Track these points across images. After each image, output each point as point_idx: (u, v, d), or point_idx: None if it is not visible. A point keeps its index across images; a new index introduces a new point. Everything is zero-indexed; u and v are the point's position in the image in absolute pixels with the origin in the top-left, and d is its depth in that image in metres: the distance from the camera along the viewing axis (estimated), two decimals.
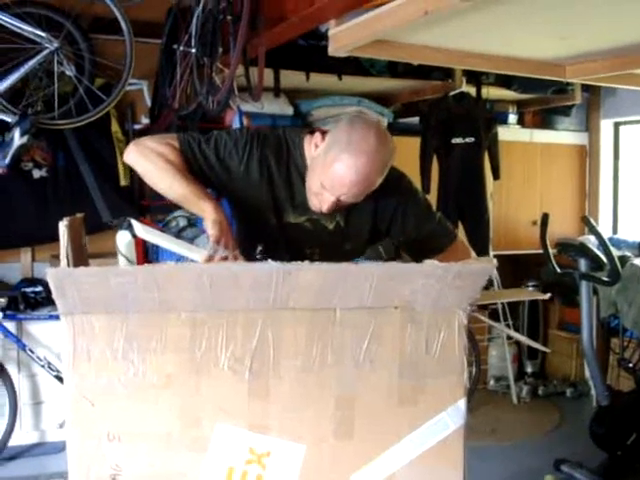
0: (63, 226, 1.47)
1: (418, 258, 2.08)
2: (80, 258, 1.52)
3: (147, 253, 3.63)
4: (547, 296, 5.41)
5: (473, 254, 2.25)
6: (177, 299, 1.33)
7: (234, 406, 1.41)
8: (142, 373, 1.36)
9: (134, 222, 1.76)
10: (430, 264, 1.47)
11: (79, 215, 1.71)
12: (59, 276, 1.26)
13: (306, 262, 1.33)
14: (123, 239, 1.74)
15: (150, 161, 2.00)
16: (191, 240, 1.72)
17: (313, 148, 2.05)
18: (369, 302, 1.42)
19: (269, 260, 1.32)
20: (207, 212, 1.85)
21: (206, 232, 1.79)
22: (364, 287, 1.40)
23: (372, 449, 1.48)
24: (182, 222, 1.67)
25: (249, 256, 1.93)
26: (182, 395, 1.39)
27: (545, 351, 3.60)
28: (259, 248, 1.98)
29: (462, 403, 1.53)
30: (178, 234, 1.70)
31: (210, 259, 1.73)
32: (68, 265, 1.43)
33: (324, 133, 2.05)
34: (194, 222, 1.67)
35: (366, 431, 1.47)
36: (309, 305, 1.40)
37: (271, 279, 1.31)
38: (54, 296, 1.29)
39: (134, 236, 1.74)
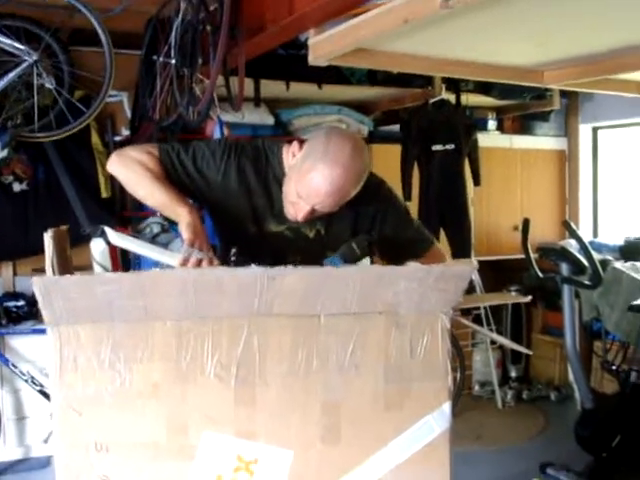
0: (48, 237, 1.47)
1: (395, 264, 2.13)
2: (65, 268, 1.52)
3: (129, 263, 3.62)
4: (528, 299, 5.45)
5: (449, 260, 2.27)
6: (162, 307, 1.33)
7: (221, 414, 1.41)
8: (129, 382, 1.36)
9: (107, 230, 1.75)
10: (412, 266, 1.48)
11: (63, 227, 1.70)
12: (45, 285, 1.26)
13: (289, 266, 1.33)
14: (97, 247, 1.73)
15: (130, 169, 2.03)
16: (165, 245, 1.71)
17: (290, 157, 2.06)
18: (353, 307, 1.43)
19: (252, 265, 1.33)
20: (181, 216, 1.87)
21: (180, 236, 1.80)
22: (347, 291, 1.40)
23: (359, 454, 1.48)
24: (156, 228, 1.67)
25: (228, 264, 1.94)
26: (169, 404, 1.39)
27: (528, 353, 3.61)
28: (233, 250, 1.98)
29: (447, 407, 1.54)
30: (152, 240, 1.70)
31: (185, 262, 1.72)
32: (54, 275, 1.42)
33: (302, 142, 2.07)
34: (167, 228, 1.67)
35: (352, 436, 1.47)
36: (294, 311, 1.41)
37: (255, 284, 1.32)
38: (40, 306, 1.29)
39: (108, 244, 1.73)
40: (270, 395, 1.43)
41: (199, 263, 1.73)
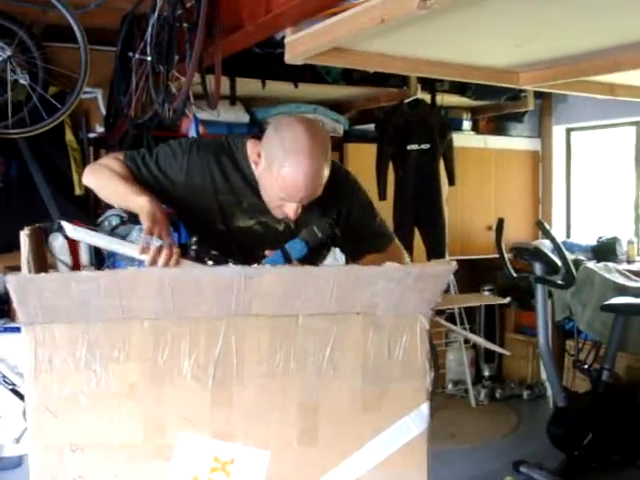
0: (24, 235, 1.46)
1: (356, 255, 2.16)
2: (41, 267, 1.50)
3: (103, 259, 3.59)
4: (507, 300, 5.48)
5: (407, 259, 2.27)
6: (139, 306, 1.32)
7: (198, 414, 1.40)
8: (105, 383, 1.35)
9: (64, 224, 1.72)
10: (390, 266, 1.48)
11: (39, 225, 1.69)
12: (20, 283, 1.25)
13: (267, 266, 1.33)
14: (56, 242, 1.71)
15: (98, 174, 2.08)
16: (124, 237, 1.68)
17: (254, 167, 2.08)
18: (331, 308, 1.43)
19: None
20: (140, 205, 1.86)
21: (139, 227, 1.79)
22: (326, 291, 1.40)
23: (336, 454, 1.48)
24: (115, 220, 1.65)
25: (188, 253, 1.94)
26: (145, 404, 1.38)
27: (505, 354, 3.63)
28: (193, 239, 1.98)
29: (425, 407, 1.54)
30: (111, 232, 1.67)
31: (144, 250, 1.71)
32: (29, 273, 1.41)
33: (259, 143, 2.08)
34: (126, 220, 1.65)
35: (330, 437, 1.47)
36: (272, 311, 1.40)
37: (233, 284, 1.31)
38: (15, 304, 1.27)
39: (66, 238, 1.71)
40: (247, 396, 1.43)
41: (159, 250, 1.72)
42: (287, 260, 1.82)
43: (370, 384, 1.50)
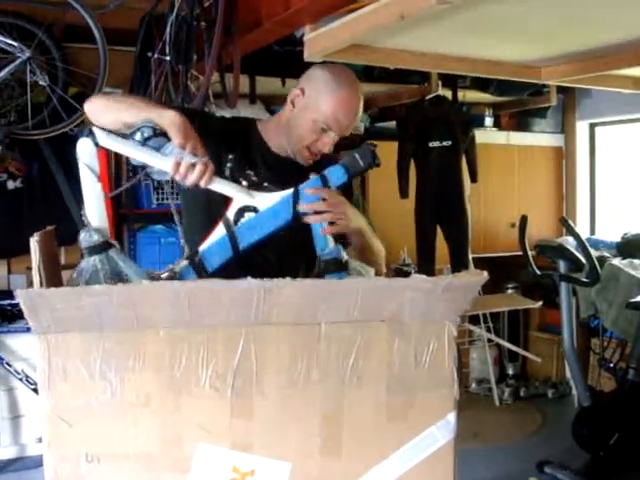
0: (34, 242, 1.43)
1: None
2: (53, 273, 1.48)
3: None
4: (538, 304, 5.39)
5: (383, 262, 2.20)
6: (154, 316, 1.29)
7: (216, 425, 1.37)
8: (120, 392, 1.32)
9: (96, 130, 1.65)
10: (417, 278, 1.44)
11: (50, 228, 1.66)
12: (30, 297, 1.22)
13: (287, 278, 1.30)
14: (85, 147, 1.63)
15: (108, 97, 2.01)
16: (157, 149, 1.61)
17: (291, 106, 2.09)
18: (355, 316, 1.39)
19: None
20: (169, 118, 1.73)
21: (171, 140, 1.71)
22: (349, 301, 1.37)
23: (360, 466, 1.44)
24: (147, 132, 1.57)
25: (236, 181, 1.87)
26: (162, 414, 1.35)
27: (536, 360, 3.57)
28: (230, 156, 1.97)
29: (452, 417, 1.50)
30: (143, 143, 1.59)
31: (177, 166, 1.64)
32: (41, 282, 1.38)
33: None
34: (159, 132, 1.58)
35: (354, 447, 1.43)
36: (293, 319, 1.37)
37: (252, 297, 1.28)
38: (26, 316, 1.25)
39: (96, 144, 1.65)
40: (268, 406, 1.40)
41: (192, 167, 1.66)
42: (325, 185, 1.76)
43: (395, 393, 1.46)
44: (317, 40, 3.22)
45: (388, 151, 5.21)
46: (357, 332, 1.42)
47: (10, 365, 4.19)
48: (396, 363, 1.45)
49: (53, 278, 1.46)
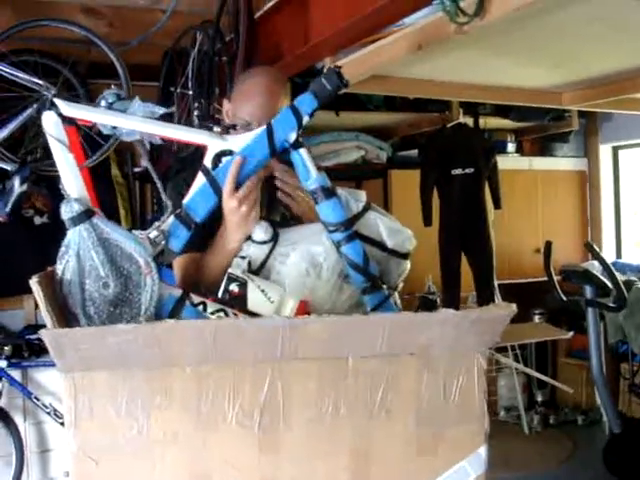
0: (34, 283, 1.43)
1: None
2: (62, 313, 1.47)
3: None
4: (570, 335, 5.33)
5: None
6: (180, 353, 1.30)
7: (244, 461, 1.37)
8: (147, 429, 1.32)
9: (57, 100, 1.64)
10: (446, 312, 1.42)
11: (49, 269, 1.66)
12: (55, 337, 1.23)
13: (313, 316, 1.30)
14: (50, 120, 1.62)
15: None
16: (122, 111, 1.61)
17: (225, 116, 2.13)
18: (382, 350, 1.38)
19: None
20: (230, 244, 1.78)
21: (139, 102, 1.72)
22: (377, 336, 1.36)
23: None
24: (111, 97, 1.56)
25: None
26: (189, 451, 1.35)
27: (568, 391, 3.51)
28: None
29: (483, 450, 1.48)
30: (109, 107, 1.58)
31: None
32: (52, 322, 1.39)
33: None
34: (124, 97, 1.58)
35: None
36: (319, 354, 1.37)
37: (277, 334, 1.29)
38: (52, 355, 1.26)
39: (60, 115, 1.64)
40: (295, 441, 1.39)
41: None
42: (297, 115, 1.73)
43: (425, 427, 1.45)
44: None
45: (411, 179, 5.22)
46: (385, 365, 1.41)
47: (38, 399, 4.21)
48: (425, 396, 1.44)
49: (62, 318, 1.46)
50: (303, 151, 1.72)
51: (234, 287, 1.64)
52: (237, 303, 1.63)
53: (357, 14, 2.85)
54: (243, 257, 1.75)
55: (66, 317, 1.47)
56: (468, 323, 1.41)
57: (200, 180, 1.73)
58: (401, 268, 1.89)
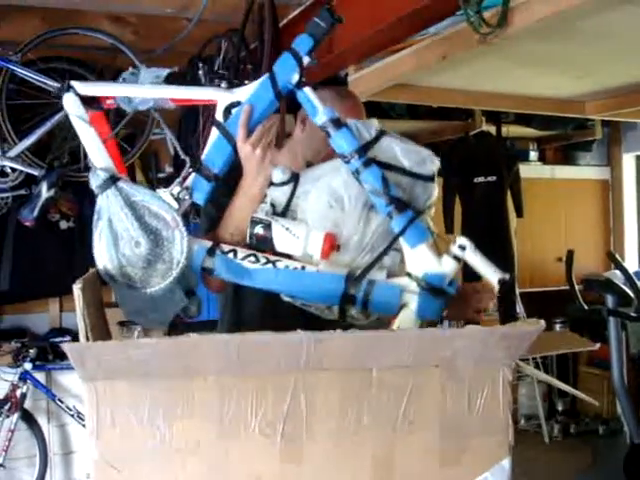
0: (77, 289, 1.46)
1: None
2: (98, 317, 1.50)
3: None
4: (597, 346, 5.30)
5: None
6: (203, 364, 1.31)
7: (267, 471, 1.38)
8: (169, 439, 1.33)
9: (74, 83, 1.70)
10: (472, 328, 1.42)
11: (92, 270, 1.70)
12: (78, 350, 1.26)
13: (338, 330, 1.31)
14: (70, 101, 1.68)
15: None
16: (134, 82, 1.69)
17: (300, 127, 2.19)
18: (407, 362, 1.39)
19: None
20: (249, 190, 1.80)
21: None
22: (402, 349, 1.37)
23: None
24: (126, 75, 1.62)
25: None
26: (211, 461, 1.36)
27: (594, 403, 3.49)
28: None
29: (507, 462, 1.48)
30: (122, 81, 1.65)
31: None
32: (86, 330, 1.41)
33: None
34: (137, 72, 1.61)
35: None
36: (343, 365, 1.38)
37: (301, 347, 1.30)
38: (74, 366, 1.28)
39: (79, 95, 1.69)
40: (318, 452, 1.39)
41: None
42: (296, 56, 1.72)
43: (448, 439, 1.44)
44: (361, 80, 3.27)
45: None
46: (409, 377, 1.41)
47: (62, 401, 4.26)
48: (449, 408, 1.44)
49: (98, 322, 1.48)
50: (307, 89, 1.73)
51: (259, 229, 1.69)
52: (265, 245, 1.69)
53: (381, 23, 2.87)
54: (265, 202, 1.78)
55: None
56: (495, 339, 1.41)
57: (214, 134, 1.77)
58: (428, 192, 1.88)
